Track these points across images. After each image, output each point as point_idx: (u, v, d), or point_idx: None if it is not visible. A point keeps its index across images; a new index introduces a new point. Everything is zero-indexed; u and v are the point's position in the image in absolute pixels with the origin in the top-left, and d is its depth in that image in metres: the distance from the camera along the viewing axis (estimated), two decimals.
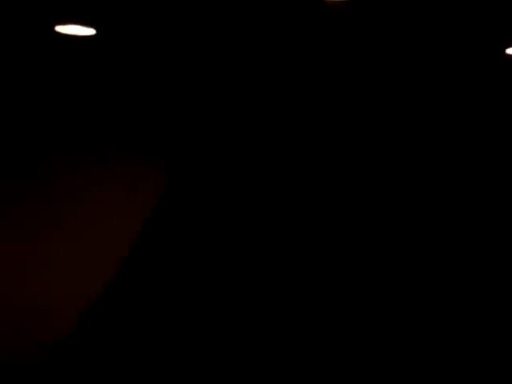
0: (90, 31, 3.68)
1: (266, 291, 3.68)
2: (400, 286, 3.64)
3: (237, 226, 3.92)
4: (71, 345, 3.72)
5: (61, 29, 3.66)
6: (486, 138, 4.34)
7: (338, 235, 3.86)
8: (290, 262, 3.78)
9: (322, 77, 4.22)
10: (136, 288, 3.86)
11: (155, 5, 3.17)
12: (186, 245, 3.92)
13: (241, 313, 3.66)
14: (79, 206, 4.18)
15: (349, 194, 3.96)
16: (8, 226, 4.11)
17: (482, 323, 3.23)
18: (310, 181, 3.98)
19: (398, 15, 3.49)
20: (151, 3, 3.32)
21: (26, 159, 4.18)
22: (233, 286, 3.70)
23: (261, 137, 4.15)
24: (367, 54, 3.99)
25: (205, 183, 4.14)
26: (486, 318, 3.29)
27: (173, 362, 3.59)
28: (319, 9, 3.39)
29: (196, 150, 4.27)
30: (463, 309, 3.41)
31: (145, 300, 3.79)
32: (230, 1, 3.32)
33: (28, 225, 4.13)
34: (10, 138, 4.15)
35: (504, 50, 3.84)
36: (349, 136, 4.19)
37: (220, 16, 3.50)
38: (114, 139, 4.26)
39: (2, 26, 3.64)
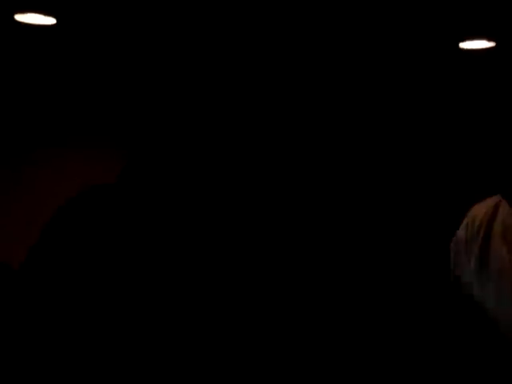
0: (50, 20, 3.68)
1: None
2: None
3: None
4: None
5: (20, 17, 3.64)
6: (442, 131, 4.43)
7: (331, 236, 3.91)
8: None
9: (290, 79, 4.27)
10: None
11: None
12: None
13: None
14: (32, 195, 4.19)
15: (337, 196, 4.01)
16: None
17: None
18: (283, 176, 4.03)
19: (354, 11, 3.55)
20: None
21: None
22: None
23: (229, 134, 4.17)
24: (322, 52, 4.05)
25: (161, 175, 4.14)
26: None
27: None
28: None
29: (156, 141, 4.27)
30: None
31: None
32: None
33: None
34: None
35: (458, 44, 3.93)
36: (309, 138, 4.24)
37: (177, 8, 3.52)
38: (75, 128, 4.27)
39: None
